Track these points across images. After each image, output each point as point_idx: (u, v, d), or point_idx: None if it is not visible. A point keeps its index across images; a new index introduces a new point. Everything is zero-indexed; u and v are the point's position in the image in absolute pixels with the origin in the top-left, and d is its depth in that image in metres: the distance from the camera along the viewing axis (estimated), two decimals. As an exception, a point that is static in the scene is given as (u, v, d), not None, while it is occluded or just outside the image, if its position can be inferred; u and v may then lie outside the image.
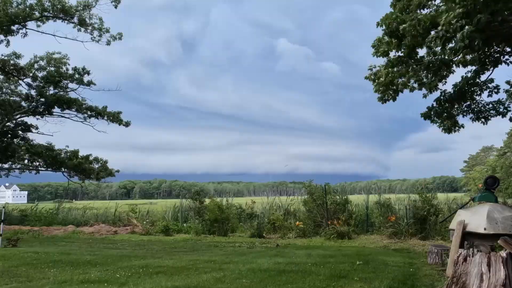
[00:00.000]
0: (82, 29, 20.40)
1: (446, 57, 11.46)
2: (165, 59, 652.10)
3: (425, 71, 11.79)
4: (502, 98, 12.62)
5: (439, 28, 9.02)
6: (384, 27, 10.79)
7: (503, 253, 5.09)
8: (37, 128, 23.72)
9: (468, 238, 6.11)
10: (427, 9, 10.66)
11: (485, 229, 5.63)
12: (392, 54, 11.57)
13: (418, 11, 10.52)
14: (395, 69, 11.57)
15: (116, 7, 20.12)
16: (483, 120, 12.82)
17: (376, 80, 11.89)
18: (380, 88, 11.92)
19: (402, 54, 11.46)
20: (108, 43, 20.95)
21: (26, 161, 23.38)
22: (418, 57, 11.68)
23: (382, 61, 11.88)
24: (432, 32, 9.71)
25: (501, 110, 12.62)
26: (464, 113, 13.05)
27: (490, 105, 12.75)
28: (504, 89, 12.33)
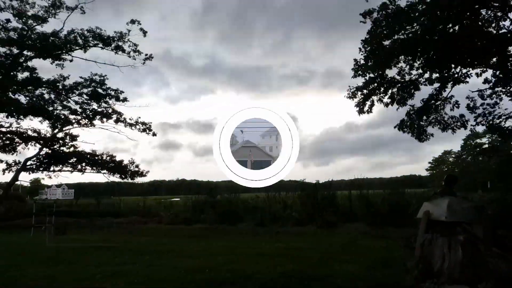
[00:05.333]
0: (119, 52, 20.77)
1: (413, 78, 11.53)
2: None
3: (395, 89, 11.85)
4: (463, 114, 12.60)
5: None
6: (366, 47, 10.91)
7: (461, 238, 5.11)
8: (78, 136, 23.86)
9: (432, 225, 6.10)
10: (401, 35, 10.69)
11: (446, 218, 5.62)
12: (368, 75, 11.64)
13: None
14: (370, 87, 11.64)
15: (144, 35, 20.34)
16: (450, 130, 12.78)
17: (354, 99, 12.07)
18: (357, 104, 12.06)
19: (375, 75, 11.54)
20: (143, 63, 21.21)
21: (72, 165, 23.42)
22: (389, 77, 11.74)
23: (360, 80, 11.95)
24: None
25: (463, 122, 12.59)
26: (433, 125, 12.97)
27: (454, 118, 12.71)
28: (468, 98, 12.37)
